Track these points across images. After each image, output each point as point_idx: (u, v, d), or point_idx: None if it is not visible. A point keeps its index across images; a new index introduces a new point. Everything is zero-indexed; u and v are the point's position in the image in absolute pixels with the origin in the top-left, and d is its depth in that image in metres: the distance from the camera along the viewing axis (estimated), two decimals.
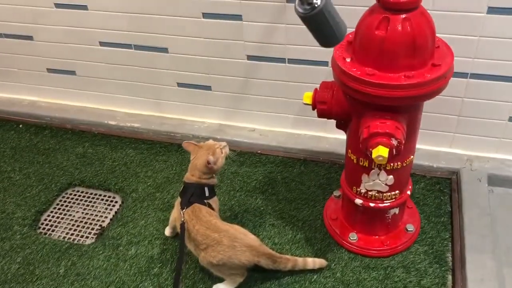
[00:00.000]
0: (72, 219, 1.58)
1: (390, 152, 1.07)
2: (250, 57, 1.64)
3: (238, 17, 1.55)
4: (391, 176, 1.23)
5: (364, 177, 1.25)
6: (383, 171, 1.22)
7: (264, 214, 1.52)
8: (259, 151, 1.77)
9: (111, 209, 1.60)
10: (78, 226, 1.56)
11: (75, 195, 1.67)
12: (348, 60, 1.09)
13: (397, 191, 1.28)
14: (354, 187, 1.30)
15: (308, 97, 1.22)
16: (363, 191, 1.29)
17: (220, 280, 1.30)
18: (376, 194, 1.27)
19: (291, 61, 1.60)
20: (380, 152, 1.06)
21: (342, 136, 1.31)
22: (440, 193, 1.55)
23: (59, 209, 1.62)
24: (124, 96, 1.93)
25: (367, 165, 1.22)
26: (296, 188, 1.60)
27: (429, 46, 1.04)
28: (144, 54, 1.76)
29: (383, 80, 1.02)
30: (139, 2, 1.62)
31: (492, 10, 1.32)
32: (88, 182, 1.69)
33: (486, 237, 1.35)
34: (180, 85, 1.82)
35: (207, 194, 1.31)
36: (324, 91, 1.19)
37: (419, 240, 1.40)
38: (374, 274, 1.32)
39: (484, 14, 1.33)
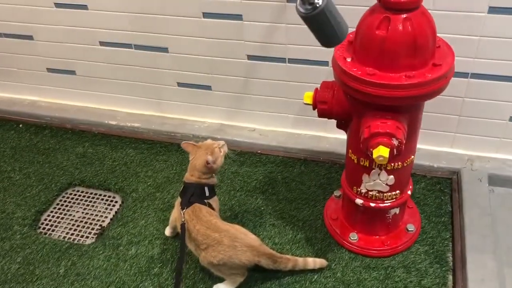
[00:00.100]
0: (72, 219, 1.58)
1: (391, 152, 1.07)
2: (250, 57, 1.64)
3: (238, 17, 1.55)
4: (391, 176, 1.23)
5: (365, 177, 1.25)
6: (383, 171, 1.22)
7: (264, 214, 1.52)
8: (259, 151, 1.77)
9: (111, 209, 1.60)
10: (78, 226, 1.55)
11: (75, 195, 1.67)
12: (348, 60, 1.09)
13: (397, 191, 1.28)
14: (355, 187, 1.30)
15: (308, 97, 1.21)
16: (363, 191, 1.28)
17: (221, 280, 1.30)
18: (377, 194, 1.27)
19: (292, 60, 1.60)
20: (381, 152, 1.06)
21: (342, 136, 1.31)
22: (441, 193, 1.55)
23: (59, 209, 1.62)
24: (124, 96, 1.93)
25: (367, 165, 1.22)
26: (297, 188, 1.60)
27: (430, 46, 1.04)
28: (144, 54, 1.76)
29: (384, 80, 1.02)
30: (140, 2, 1.62)
31: (493, 9, 1.32)
32: (88, 182, 1.69)
33: (486, 237, 1.34)
34: (180, 85, 1.81)
35: (207, 194, 1.31)
36: (324, 91, 1.19)
37: (419, 240, 1.40)
38: (374, 274, 1.32)
39: (485, 13, 1.33)
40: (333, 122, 1.26)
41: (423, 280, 1.29)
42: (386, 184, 1.24)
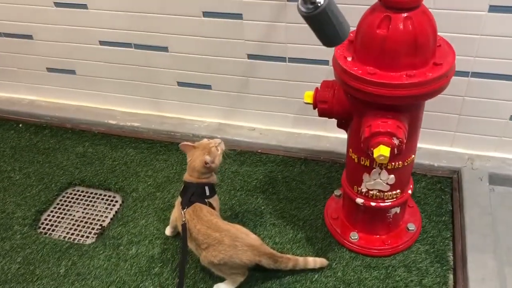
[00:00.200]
0: (72, 219, 1.58)
1: (392, 152, 1.07)
2: (250, 56, 1.64)
3: (238, 16, 1.55)
4: (392, 176, 1.23)
5: (365, 176, 1.25)
6: (384, 170, 1.22)
7: (264, 213, 1.52)
8: (259, 150, 1.77)
9: (111, 209, 1.60)
10: (78, 225, 1.55)
11: (75, 194, 1.67)
12: (349, 59, 1.09)
13: (398, 190, 1.28)
14: (355, 186, 1.30)
15: (309, 96, 1.21)
16: (364, 190, 1.28)
17: (221, 279, 1.30)
18: (377, 193, 1.27)
19: (292, 60, 1.60)
20: (382, 151, 1.06)
21: (342, 135, 1.31)
22: (441, 192, 1.54)
23: (59, 208, 1.62)
24: (124, 96, 1.93)
25: (368, 164, 1.22)
26: (297, 188, 1.60)
27: (431, 45, 1.04)
28: (144, 53, 1.75)
29: (385, 79, 1.02)
30: (139, 1, 1.62)
31: (493, 8, 1.31)
32: (88, 182, 1.69)
33: (487, 236, 1.34)
34: (180, 84, 1.81)
35: (207, 193, 1.31)
36: (325, 90, 1.19)
37: (420, 239, 1.40)
38: (375, 274, 1.32)
39: (486, 12, 1.32)
40: (333, 121, 1.25)
41: (424, 280, 1.29)
42: (387, 184, 1.24)
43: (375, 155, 1.07)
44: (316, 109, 1.21)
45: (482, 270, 1.26)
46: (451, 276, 1.30)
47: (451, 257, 1.35)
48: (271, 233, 1.45)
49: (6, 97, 2.11)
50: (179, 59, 1.73)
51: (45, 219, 1.58)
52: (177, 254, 1.40)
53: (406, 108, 1.10)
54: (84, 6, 1.70)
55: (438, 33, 1.06)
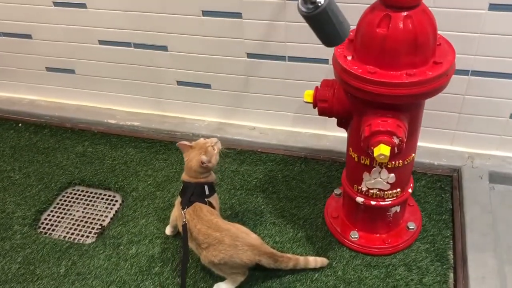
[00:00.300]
0: (72, 219, 1.58)
1: (392, 151, 1.07)
2: (250, 55, 1.64)
3: (238, 15, 1.55)
4: (392, 174, 1.22)
5: (365, 175, 1.25)
6: (384, 169, 1.21)
7: (264, 212, 1.52)
8: (259, 149, 1.77)
9: (111, 208, 1.60)
10: (78, 225, 1.55)
11: (75, 194, 1.67)
12: (349, 58, 1.09)
13: (398, 189, 1.27)
14: (355, 185, 1.30)
15: (309, 95, 1.21)
16: (364, 189, 1.28)
17: (222, 279, 1.30)
18: (378, 192, 1.27)
19: (291, 58, 1.59)
20: (382, 150, 1.06)
21: (342, 134, 1.31)
22: (441, 190, 1.54)
23: (59, 208, 1.62)
24: (123, 95, 1.93)
25: (368, 163, 1.22)
26: (297, 187, 1.60)
27: (431, 44, 1.03)
28: (143, 53, 1.75)
29: (385, 78, 1.02)
30: (139, 1, 1.61)
31: (493, 7, 1.31)
32: (88, 181, 1.69)
33: (487, 235, 1.34)
34: (180, 83, 1.81)
35: (207, 192, 1.31)
36: (325, 89, 1.19)
37: (420, 238, 1.40)
38: (375, 272, 1.32)
39: (486, 11, 1.32)
40: (333, 120, 1.25)
41: (424, 278, 1.29)
42: (387, 182, 1.24)
43: (375, 154, 1.07)
44: (316, 108, 1.21)
45: (483, 269, 1.26)
46: (451, 275, 1.30)
47: (452, 255, 1.35)
48: (271, 232, 1.45)
49: (6, 97, 2.11)
50: (178, 59, 1.73)
51: (45, 219, 1.58)
52: (177, 254, 1.40)
53: (406, 107, 1.10)
54: (83, 6, 1.70)
55: (438, 32, 1.06)
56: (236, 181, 1.64)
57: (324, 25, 0.86)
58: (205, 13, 1.58)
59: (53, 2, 1.73)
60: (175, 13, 1.61)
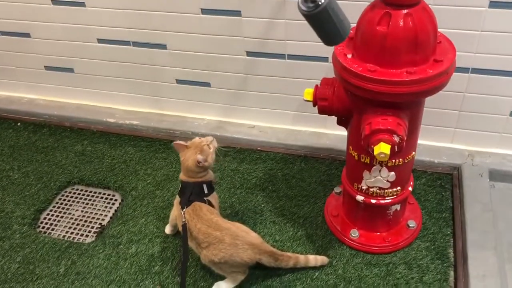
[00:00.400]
0: (71, 218, 1.57)
1: (392, 149, 1.06)
2: (249, 53, 1.63)
3: (237, 13, 1.54)
4: (392, 173, 1.22)
5: (366, 173, 1.25)
6: (384, 167, 1.21)
7: (264, 211, 1.51)
8: (259, 148, 1.76)
9: (110, 207, 1.60)
10: (78, 224, 1.55)
11: (74, 193, 1.67)
12: (349, 56, 1.08)
13: (398, 188, 1.27)
14: (355, 184, 1.30)
15: (308, 93, 1.21)
16: (364, 187, 1.28)
17: (222, 278, 1.29)
18: (378, 190, 1.27)
19: (291, 57, 1.59)
20: (382, 149, 1.05)
21: (342, 132, 1.31)
22: (442, 188, 1.54)
23: (58, 207, 1.61)
24: (122, 93, 1.92)
25: (368, 162, 1.21)
26: (297, 185, 1.59)
27: (431, 42, 1.03)
28: (142, 51, 1.75)
29: (385, 76, 1.01)
30: None
31: (493, 4, 1.31)
32: (87, 180, 1.69)
33: (488, 233, 1.34)
34: (179, 81, 1.81)
35: (206, 191, 1.30)
36: (325, 88, 1.19)
37: (420, 236, 1.40)
38: (376, 271, 1.31)
39: (486, 8, 1.32)
40: (333, 118, 1.25)
41: (425, 276, 1.29)
42: (387, 181, 1.24)
43: (375, 153, 1.06)
44: (316, 106, 1.21)
45: (483, 267, 1.26)
46: (451, 273, 1.30)
47: (452, 253, 1.35)
48: (271, 230, 1.45)
49: (5, 96, 2.11)
50: (178, 57, 1.72)
51: (45, 218, 1.58)
52: (177, 253, 1.39)
53: (407, 105, 1.09)
54: (81, 4, 1.69)
55: (439, 30, 1.06)
56: (236, 179, 1.63)
57: (325, 24, 0.85)
58: (204, 11, 1.57)
59: (52, 0, 1.72)
60: (174, 11, 1.60)
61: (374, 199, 1.29)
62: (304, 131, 1.77)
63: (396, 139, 1.06)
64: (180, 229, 1.26)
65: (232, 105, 1.80)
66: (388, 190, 1.26)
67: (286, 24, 1.51)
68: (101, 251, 1.42)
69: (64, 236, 1.51)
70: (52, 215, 1.59)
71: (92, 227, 1.53)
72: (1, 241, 1.48)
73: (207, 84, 1.77)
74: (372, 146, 1.07)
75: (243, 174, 1.66)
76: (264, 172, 1.66)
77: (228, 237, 1.20)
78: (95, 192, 1.66)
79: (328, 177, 1.62)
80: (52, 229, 1.54)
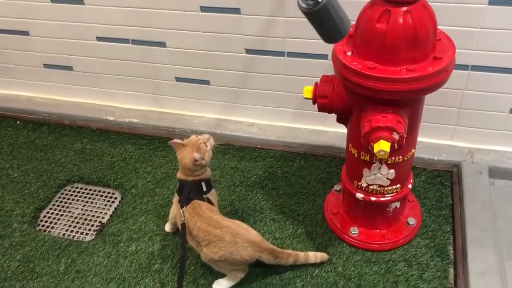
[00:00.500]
0: (71, 216, 1.57)
1: (392, 146, 1.06)
2: (248, 51, 1.63)
3: (236, 10, 1.54)
4: (392, 170, 1.22)
5: (365, 171, 1.24)
6: (384, 165, 1.21)
7: (264, 209, 1.51)
8: (258, 146, 1.76)
9: (110, 205, 1.60)
10: (77, 222, 1.55)
11: (74, 191, 1.67)
12: (349, 53, 1.08)
13: (398, 185, 1.27)
14: (355, 181, 1.30)
15: (308, 91, 1.21)
16: (364, 185, 1.28)
17: (222, 275, 1.29)
18: (377, 188, 1.27)
19: (291, 54, 1.59)
20: (382, 146, 1.05)
21: (342, 129, 1.31)
22: (441, 186, 1.54)
23: (58, 205, 1.61)
24: (122, 91, 1.92)
25: (368, 159, 1.21)
26: (296, 183, 1.59)
27: (431, 39, 1.03)
28: (141, 49, 1.74)
29: (385, 73, 1.01)
30: None
31: (493, 1, 1.31)
32: (87, 178, 1.68)
33: (487, 230, 1.34)
34: (178, 79, 1.80)
35: (204, 189, 1.30)
36: (324, 85, 1.18)
37: (420, 233, 1.40)
38: (375, 268, 1.32)
39: (486, 5, 1.32)
40: (333, 116, 1.25)
41: (424, 274, 1.29)
42: (387, 178, 1.24)
43: (375, 150, 1.06)
44: (316, 104, 1.21)
45: (483, 264, 1.26)
46: (451, 270, 1.30)
47: (452, 251, 1.35)
48: (271, 228, 1.45)
49: (3, 94, 2.10)
50: (177, 55, 1.72)
51: (44, 216, 1.58)
52: (177, 251, 1.39)
53: (406, 103, 1.09)
54: (80, 2, 1.69)
55: (438, 27, 1.06)
56: (236, 177, 1.63)
57: (325, 21, 0.85)
58: (203, 8, 1.57)
59: None
60: (173, 9, 1.60)
61: (374, 197, 1.29)
62: (304, 129, 1.77)
63: (396, 136, 1.06)
64: (180, 227, 1.26)
65: (232, 103, 1.80)
66: (388, 187, 1.26)
67: (285, 21, 1.51)
68: (101, 249, 1.42)
69: (64, 234, 1.51)
70: (52, 213, 1.59)
71: (92, 225, 1.53)
72: (1, 239, 1.48)
73: (206, 82, 1.77)
74: (372, 144, 1.07)
75: (243, 172, 1.65)
76: (263, 170, 1.66)
77: (228, 235, 1.20)
78: (94, 190, 1.66)
79: (327, 174, 1.62)
80: (52, 227, 1.54)
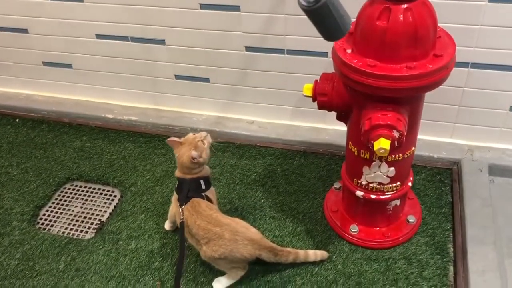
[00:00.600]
0: (71, 214, 1.57)
1: (392, 144, 1.06)
2: (248, 48, 1.63)
3: (236, 8, 1.53)
4: (392, 168, 1.22)
5: (365, 169, 1.24)
6: (384, 163, 1.21)
7: (264, 206, 1.51)
8: (258, 144, 1.76)
9: (110, 203, 1.59)
10: (77, 221, 1.55)
11: (73, 189, 1.66)
12: (349, 51, 1.08)
13: (398, 183, 1.27)
14: (355, 179, 1.30)
15: (308, 89, 1.20)
16: (364, 183, 1.28)
17: (222, 273, 1.29)
18: (377, 186, 1.27)
19: (290, 52, 1.58)
20: (382, 144, 1.05)
21: (341, 127, 1.30)
22: (441, 183, 1.54)
23: (57, 204, 1.61)
24: (121, 89, 1.92)
25: (368, 157, 1.21)
26: (296, 180, 1.59)
27: (431, 37, 1.03)
28: (141, 46, 1.74)
29: (385, 71, 1.01)
30: None
31: None
32: (86, 176, 1.68)
33: (487, 228, 1.34)
34: (177, 77, 1.80)
35: (203, 187, 1.30)
36: (324, 83, 1.18)
37: (420, 231, 1.40)
38: (375, 266, 1.32)
39: (486, 2, 1.31)
40: (333, 113, 1.24)
41: (424, 272, 1.29)
42: (387, 176, 1.24)
43: (375, 148, 1.06)
44: (316, 101, 1.20)
45: (482, 262, 1.26)
46: (451, 268, 1.30)
47: (451, 248, 1.35)
48: (271, 226, 1.45)
49: (2, 92, 2.10)
50: (176, 52, 1.72)
51: (44, 215, 1.58)
52: (176, 249, 1.39)
53: (406, 100, 1.09)
54: None
55: (438, 24, 1.05)
56: (235, 175, 1.63)
57: (325, 19, 0.84)
58: (203, 6, 1.56)
59: None
60: (172, 7, 1.60)
61: (374, 195, 1.29)
62: (304, 127, 1.77)
63: (396, 134, 1.06)
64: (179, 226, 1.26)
65: (231, 100, 1.80)
66: (388, 185, 1.26)
67: (285, 19, 1.51)
68: (100, 247, 1.42)
69: (63, 233, 1.51)
70: (51, 212, 1.58)
71: (92, 223, 1.53)
72: (1, 237, 1.48)
73: (206, 80, 1.77)
74: (372, 142, 1.07)
75: (243, 169, 1.65)
76: (263, 167, 1.66)
77: (228, 233, 1.20)
78: (94, 188, 1.66)
79: (327, 172, 1.61)
80: (52, 226, 1.54)
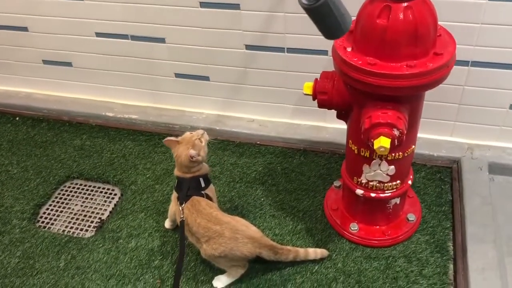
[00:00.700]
0: (71, 212, 1.57)
1: (392, 143, 1.06)
2: (248, 47, 1.62)
3: (236, 6, 1.53)
4: (392, 166, 1.22)
5: (365, 167, 1.24)
6: (384, 161, 1.21)
7: (264, 205, 1.51)
8: (258, 142, 1.76)
9: (110, 202, 1.60)
10: (77, 219, 1.55)
11: (73, 188, 1.66)
12: (349, 49, 1.08)
13: (398, 181, 1.27)
14: (355, 178, 1.30)
15: (308, 87, 1.20)
16: (364, 181, 1.28)
17: (222, 272, 1.30)
18: (377, 184, 1.27)
19: (290, 50, 1.58)
20: (382, 142, 1.05)
21: (341, 126, 1.30)
22: (441, 182, 1.54)
23: (57, 202, 1.61)
24: (121, 88, 1.91)
25: (368, 156, 1.21)
26: (296, 179, 1.59)
27: (431, 35, 1.03)
28: (141, 45, 1.74)
29: (385, 69, 1.01)
30: None
31: None
32: (86, 175, 1.68)
33: (487, 226, 1.34)
34: (177, 75, 1.80)
35: (203, 185, 1.30)
36: (324, 81, 1.18)
37: (420, 229, 1.40)
38: (375, 264, 1.32)
39: (486, 1, 1.31)
40: (333, 112, 1.24)
41: (424, 270, 1.29)
42: (387, 174, 1.24)
43: (375, 147, 1.06)
44: (316, 100, 1.20)
45: (482, 260, 1.26)
46: (451, 266, 1.30)
47: (451, 247, 1.35)
48: (271, 224, 1.45)
49: (3, 90, 2.10)
50: (176, 51, 1.71)
51: (44, 213, 1.58)
52: (176, 247, 1.39)
53: (407, 99, 1.09)
54: None
55: (438, 23, 1.05)
56: (235, 173, 1.63)
57: (326, 17, 0.84)
58: (203, 4, 1.56)
59: None
60: (172, 5, 1.59)
61: (374, 193, 1.29)
62: (304, 125, 1.77)
63: (396, 132, 1.06)
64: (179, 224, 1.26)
65: (231, 99, 1.80)
66: (388, 183, 1.26)
67: (285, 17, 1.50)
68: (100, 245, 1.42)
69: (63, 231, 1.51)
70: (52, 210, 1.59)
71: (92, 222, 1.53)
72: (1, 236, 1.48)
73: (206, 78, 1.77)
74: (372, 140, 1.07)
75: (243, 168, 1.65)
76: (263, 166, 1.66)
77: (228, 231, 1.20)
78: (94, 187, 1.66)
79: (327, 171, 1.61)
80: (52, 224, 1.54)
